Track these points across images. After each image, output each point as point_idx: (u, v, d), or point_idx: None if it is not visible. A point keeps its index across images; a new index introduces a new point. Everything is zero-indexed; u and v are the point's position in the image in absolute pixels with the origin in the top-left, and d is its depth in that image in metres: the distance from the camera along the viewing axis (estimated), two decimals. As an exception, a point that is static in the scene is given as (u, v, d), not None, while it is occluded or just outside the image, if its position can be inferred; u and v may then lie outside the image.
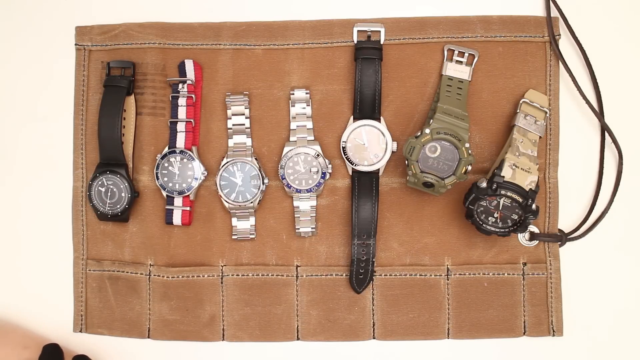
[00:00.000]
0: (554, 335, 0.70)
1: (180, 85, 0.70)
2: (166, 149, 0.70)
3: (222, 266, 0.71)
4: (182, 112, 0.70)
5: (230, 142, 0.71)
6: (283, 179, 0.69)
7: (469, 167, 0.65)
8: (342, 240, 0.71)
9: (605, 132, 0.71)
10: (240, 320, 0.71)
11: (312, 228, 0.70)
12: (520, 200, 0.64)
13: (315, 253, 0.71)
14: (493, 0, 0.71)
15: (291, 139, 0.70)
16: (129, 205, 0.70)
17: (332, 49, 0.71)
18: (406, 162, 0.66)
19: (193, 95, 0.71)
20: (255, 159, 0.70)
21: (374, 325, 0.71)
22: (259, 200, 0.70)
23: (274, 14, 0.72)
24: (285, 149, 0.70)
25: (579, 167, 0.71)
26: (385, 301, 0.71)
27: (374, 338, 0.71)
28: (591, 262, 0.71)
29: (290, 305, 0.71)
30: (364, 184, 0.70)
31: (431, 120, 0.65)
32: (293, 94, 0.70)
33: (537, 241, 0.70)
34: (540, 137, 0.68)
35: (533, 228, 0.70)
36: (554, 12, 0.71)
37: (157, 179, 0.70)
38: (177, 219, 0.71)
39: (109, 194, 0.70)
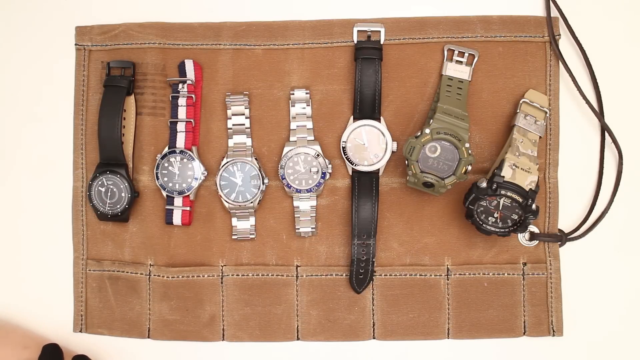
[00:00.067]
0: (554, 335, 0.70)
1: (180, 85, 0.70)
2: (166, 149, 0.70)
3: (222, 266, 0.71)
4: (182, 112, 0.70)
5: (230, 142, 0.71)
6: (283, 179, 0.69)
7: (469, 167, 0.65)
8: (342, 240, 0.71)
9: (605, 132, 0.71)
10: (240, 320, 0.71)
11: (312, 228, 0.70)
12: (520, 200, 0.64)
13: (315, 253, 0.71)
14: (493, 0, 0.71)
15: (291, 139, 0.70)
16: (129, 205, 0.70)
17: (332, 49, 0.71)
18: (406, 162, 0.66)
19: (193, 95, 0.71)
20: (255, 159, 0.70)
21: (374, 325, 0.71)
22: (259, 200, 0.70)
23: (274, 14, 0.72)
24: (285, 149, 0.70)
25: (579, 167, 0.71)
26: (385, 301, 0.71)
27: (374, 338, 0.71)
28: (591, 262, 0.71)
29: (290, 305, 0.71)
30: (364, 184, 0.70)
31: (431, 120, 0.65)
32: (293, 94, 0.70)
33: (537, 241, 0.70)
34: (540, 137, 0.68)
35: (533, 228, 0.70)
36: (554, 12, 0.71)
37: (157, 179, 0.70)
38: (177, 219, 0.71)
39: (109, 194, 0.70)
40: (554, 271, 0.70)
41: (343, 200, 0.71)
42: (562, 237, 0.70)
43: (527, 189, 0.64)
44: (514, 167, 0.64)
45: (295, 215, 0.70)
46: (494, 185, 0.63)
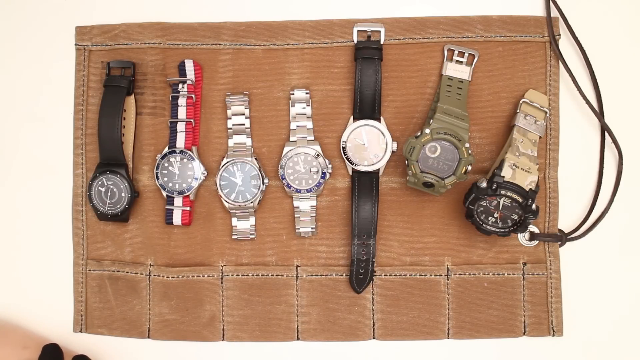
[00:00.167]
0: (554, 335, 0.70)
1: (180, 85, 0.70)
2: (166, 149, 0.70)
3: (222, 266, 0.71)
4: (182, 112, 0.70)
5: (230, 142, 0.71)
6: (283, 179, 0.69)
7: (469, 167, 0.65)
8: (342, 240, 0.71)
9: (605, 132, 0.71)
10: (240, 320, 0.71)
11: (312, 228, 0.70)
12: (520, 200, 0.64)
13: (315, 253, 0.71)
14: (493, 0, 0.71)
15: (291, 139, 0.70)
16: (129, 205, 0.70)
17: (332, 49, 0.71)
18: (406, 162, 0.66)
19: (193, 95, 0.71)
20: (255, 159, 0.70)
21: (374, 325, 0.71)
22: (259, 200, 0.70)
23: (274, 14, 0.72)
24: (285, 149, 0.70)
25: (579, 167, 0.71)
26: (385, 301, 0.71)
27: (374, 338, 0.71)
28: (591, 262, 0.71)
29: (290, 305, 0.71)
30: (364, 184, 0.70)
31: (431, 120, 0.65)
32: (293, 94, 0.70)
33: (537, 241, 0.70)
34: (540, 137, 0.68)
35: (533, 228, 0.70)
36: (554, 12, 0.71)
37: (157, 179, 0.70)
38: (177, 219, 0.71)
39: (109, 194, 0.70)
40: (554, 271, 0.70)
41: (343, 200, 0.71)
42: (562, 237, 0.70)
43: (527, 189, 0.64)
44: (514, 167, 0.64)
45: (295, 215, 0.70)
46: (494, 185, 0.63)
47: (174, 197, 0.70)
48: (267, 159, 0.71)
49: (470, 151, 0.65)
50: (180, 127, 0.70)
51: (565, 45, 0.71)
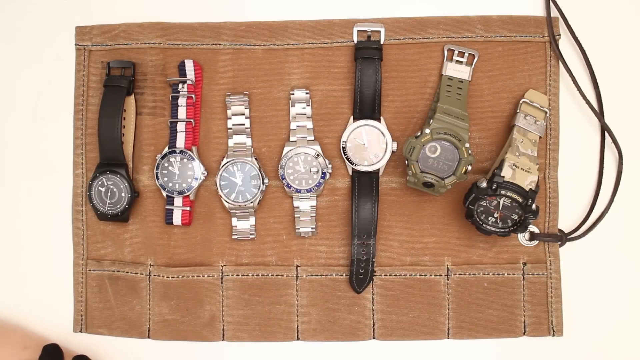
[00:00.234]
0: (554, 335, 0.70)
1: (180, 85, 0.70)
2: (166, 149, 0.70)
3: (222, 266, 0.71)
4: (182, 112, 0.70)
5: (230, 142, 0.71)
6: (283, 179, 0.69)
7: (469, 167, 0.65)
8: (342, 240, 0.71)
9: (605, 132, 0.71)
10: (240, 320, 0.71)
11: (312, 228, 0.70)
12: (520, 200, 0.64)
13: (315, 253, 0.71)
14: (493, 0, 0.71)
15: (291, 139, 0.70)
16: (129, 205, 0.70)
17: (332, 49, 0.71)
18: (406, 162, 0.66)
19: (193, 95, 0.71)
20: (255, 159, 0.70)
21: (374, 325, 0.71)
22: (259, 200, 0.70)
23: (274, 14, 0.72)
24: (285, 149, 0.70)
25: (579, 167, 0.71)
26: (385, 301, 0.71)
27: (374, 338, 0.71)
28: (591, 262, 0.71)
29: (290, 305, 0.71)
30: (364, 184, 0.70)
31: (431, 120, 0.65)
32: (293, 94, 0.70)
33: (537, 241, 0.70)
34: (540, 137, 0.68)
35: (533, 228, 0.70)
36: (554, 12, 0.71)
37: (157, 179, 0.70)
38: (177, 219, 0.71)
39: (109, 194, 0.70)
40: (554, 271, 0.70)
41: (343, 200, 0.71)
42: (562, 237, 0.70)
43: (527, 189, 0.64)
44: (514, 167, 0.64)
45: (295, 215, 0.70)
46: (494, 185, 0.63)
47: (174, 197, 0.70)
48: (267, 159, 0.71)
49: (470, 151, 0.65)
50: (180, 127, 0.70)
51: (565, 45, 0.71)
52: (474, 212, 0.66)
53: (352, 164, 0.69)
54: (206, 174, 0.71)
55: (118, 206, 0.70)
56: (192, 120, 0.70)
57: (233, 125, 0.71)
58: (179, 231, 0.72)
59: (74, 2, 0.73)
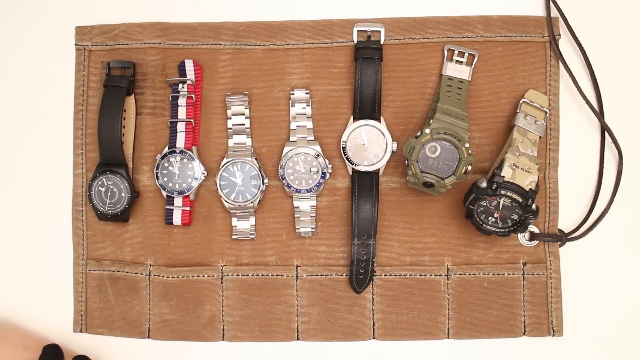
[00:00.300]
0: (554, 335, 0.70)
1: (180, 85, 0.70)
2: (166, 149, 0.70)
3: (222, 266, 0.71)
4: (182, 112, 0.70)
5: (230, 142, 0.71)
6: (283, 179, 0.69)
7: (469, 167, 0.65)
8: (342, 240, 0.71)
9: (605, 132, 0.71)
10: (240, 320, 0.71)
11: (312, 228, 0.70)
12: (520, 200, 0.64)
13: (315, 253, 0.71)
14: (493, 0, 0.71)
15: (291, 139, 0.70)
16: (129, 205, 0.70)
17: (332, 49, 0.71)
18: (406, 162, 0.66)
19: (193, 95, 0.71)
20: (255, 159, 0.70)
21: (374, 325, 0.71)
22: (259, 200, 0.70)
23: (274, 14, 0.72)
24: (285, 149, 0.70)
25: (579, 167, 0.71)
26: (385, 301, 0.71)
27: (374, 338, 0.71)
28: (591, 262, 0.71)
29: (290, 305, 0.71)
30: (364, 184, 0.70)
31: (431, 120, 0.65)
32: (293, 94, 0.70)
33: (537, 241, 0.70)
34: (540, 137, 0.68)
35: (533, 228, 0.70)
36: (554, 12, 0.71)
37: (157, 179, 0.70)
38: (177, 219, 0.71)
39: (109, 194, 0.70)
40: (554, 271, 0.70)
41: (343, 200, 0.71)
42: (562, 237, 0.70)
43: (527, 189, 0.64)
44: (514, 167, 0.64)
45: (295, 215, 0.70)
46: (494, 185, 0.63)
47: (174, 197, 0.70)
48: (267, 159, 0.71)
49: (470, 151, 0.65)
50: (180, 127, 0.70)
51: (565, 45, 0.71)
52: (474, 212, 0.66)
53: (352, 164, 0.69)
54: (206, 174, 0.71)
55: (118, 206, 0.70)
56: (192, 120, 0.70)
57: (233, 125, 0.71)
58: (179, 231, 0.72)
59: (74, 2, 0.73)
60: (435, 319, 0.70)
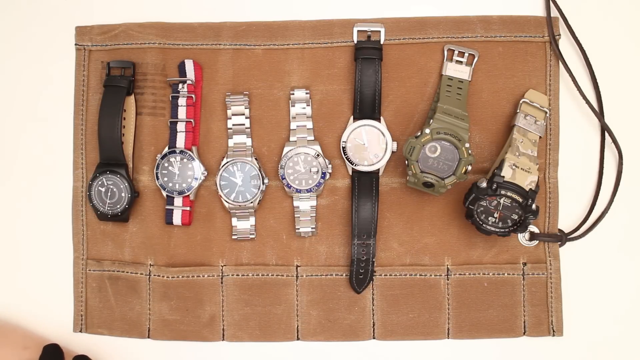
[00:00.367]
0: (554, 335, 0.70)
1: (180, 85, 0.70)
2: (166, 149, 0.70)
3: (222, 266, 0.71)
4: (182, 112, 0.70)
5: (230, 142, 0.71)
6: (283, 179, 0.69)
7: (469, 167, 0.65)
8: (342, 240, 0.71)
9: (605, 132, 0.71)
10: (240, 320, 0.71)
11: (312, 228, 0.70)
12: (520, 200, 0.64)
13: (315, 253, 0.71)
14: (493, 0, 0.71)
15: (291, 139, 0.70)
16: (129, 205, 0.70)
17: (332, 49, 0.71)
18: (406, 162, 0.66)
19: (193, 95, 0.71)
20: (255, 159, 0.70)
21: (374, 325, 0.71)
22: (259, 200, 0.70)
23: (274, 14, 0.72)
24: (285, 149, 0.70)
25: (579, 167, 0.71)
26: (385, 301, 0.71)
27: (374, 338, 0.71)
28: (591, 262, 0.71)
29: (290, 305, 0.71)
30: (364, 184, 0.70)
31: (431, 120, 0.65)
32: (293, 94, 0.70)
33: (537, 241, 0.70)
34: (540, 137, 0.68)
35: (533, 228, 0.70)
36: (554, 12, 0.71)
37: (157, 179, 0.70)
38: (177, 219, 0.71)
39: (109, 194, 0.70)
40: (554, 271, 0.70)
41: (343, 200, 0.71)
42: (562, 237, 0.70)
43: (527, 189, 0.64)
44: (514, 167, 0.64)
45: (295, 215, 0.70)
46: (494, 185, 0.63)
47: (174, 197, 0.70)
48: (267, 159, 0.71)
49: (470, 151, 0.65)
50: (180, 127, 0.70)
51: (565, 45, 0.71)
52: (474, 212, 0.66)
53: (352, 164, 0.69)
54: (206, 174, 0.71)
55: (118, 206, 0.70)
56: (192, 120, 0.70)
57: (233, 125, 0.71)
58: (179, 231, 0.72)
59: (74, 2, 0.73)
60: (435, 319, 0.70)
